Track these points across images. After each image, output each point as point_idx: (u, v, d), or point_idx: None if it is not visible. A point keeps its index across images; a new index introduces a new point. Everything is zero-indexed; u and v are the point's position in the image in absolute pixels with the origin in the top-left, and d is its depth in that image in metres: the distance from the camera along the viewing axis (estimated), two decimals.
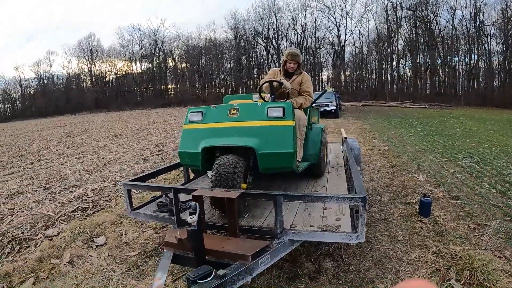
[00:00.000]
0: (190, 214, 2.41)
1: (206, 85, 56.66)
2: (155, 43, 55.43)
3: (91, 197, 6.13)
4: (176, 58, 57.30)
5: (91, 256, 3.86)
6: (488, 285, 3.01)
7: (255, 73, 55.33)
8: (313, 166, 4.34)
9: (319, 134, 4.57)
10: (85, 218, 5.11)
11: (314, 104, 5.25)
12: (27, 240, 4.40)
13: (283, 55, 4.74)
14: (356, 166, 3.84)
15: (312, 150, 4.33)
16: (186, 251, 2.66)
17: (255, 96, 4.86)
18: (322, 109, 20.74)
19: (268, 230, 2.96)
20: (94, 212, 5.42)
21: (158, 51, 55.90)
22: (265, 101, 4.32)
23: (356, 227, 2.71)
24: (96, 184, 6.93)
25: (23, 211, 5.48)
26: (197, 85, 56.94)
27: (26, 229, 4.72)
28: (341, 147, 7.10)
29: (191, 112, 3.86)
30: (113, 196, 6.23)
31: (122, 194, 6.14)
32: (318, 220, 3.08)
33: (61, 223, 4.94)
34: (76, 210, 5.49)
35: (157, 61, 56.43)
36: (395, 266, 3.45)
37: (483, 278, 3.07)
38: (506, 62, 40.10)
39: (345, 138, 6.05)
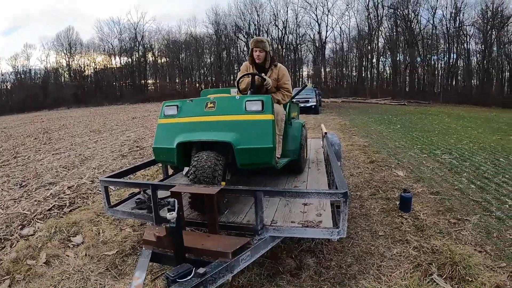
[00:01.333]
0: (169, 210, 2.34)
1: (186, 80, 56.13)
2: (135, 37, 54.37)
3: (68, 194, 5.97)
4: (156, 52, 56.54)
5: (68, 256, 3.73)
6: (470, 279, 3.03)
7: (235, 68, 54.92)
8: (293, 163, 4.29)
9: (299, 130, 4.52)
10: (62, 217, 4.96)
11: (294, 100, 5.19)
12: (3, 240, 4.26)
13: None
14: (336, 161, 3.83)
15: (292, 146, 4.28)
16: (165, 249, 2.60)
17: (233, 91, 4.77)
18: (302, 104, 20.86)
19: (248, 226, 2.92)
20: (71, 210, 5.26)
21: (137, 45, 54.90)
22: (243, 94, 4.21)
23: (338, 223, 2.69)
24: (73, 181, 6.75)
25: None
26: (177, 80, 56.32)
27: (1, 229, 4.56)
28: (321, 142, 7.12)
29: (166, 106, 3.73)
30: (90, 193, 6.08)
31: (100, 191, 6.02)
32: (299, 216, 3.07)
33: (37, 222, 4.78)
34: (53, 208, 5.33)
35: (137, 56, 55.42)
36: (376, 262, 3.45)
37: (465, 272, 3.09)
38: (484, 62, 41.17)
39: (325, 133, 6.05)
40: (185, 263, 2.25)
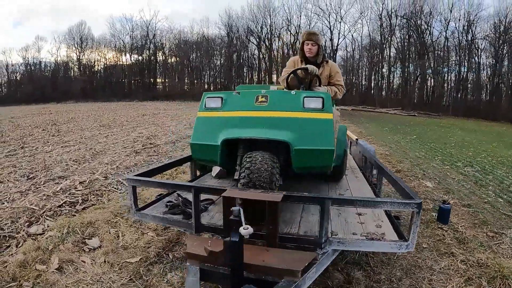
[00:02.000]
0: (235, 222, 1.91)
1: (195, 80, 55.50)
2: (146, 35, 53.60)
3: (80, 190, 5.46)
4: (167, 51, 55.76)
5: (84, 262, 3.24)
6: None
7: (245, 72, 54.70)
8: (335, 168, 3.86)
9: (345, 134, 4.26)
10: (74, 215, 4.44)
11: None
12: (8, 238, 3.76)
13: (298, 41, 4.12)
14: (389, 169, 3.47)
15: (338, 151, 3.83)
16: (218, 265, 2.18)
17: (273, 87, 4.39)
18: None
19: (309, 239, 2.53)
20: (84, 208, 4.75)
21: (149, 43, 54.12)
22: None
23: (404, 235, 2.50)
24: (85, 176, 6.25)
25: (3, 203, 4.82)
26: (186, 80, 55.78)
27: (6, 224, 4.07)
28: (348, 149, 6.79)
29: (208, 98, 3.30)
30: (104, 190, 5.55)
31: (115, 188, 5.59)
32: (358, 227, 2.78)
33: (47, 219, 4.28)
34: (64, 205, 4.81)
35: (147, 54, 54.67)
36: (426, 275, 3.24)
37: None
38: (495, 76, 40.74)
39: (357, 139, 5.81)
40: (248, 285, 1.84)
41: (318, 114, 2.96)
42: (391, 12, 45.86)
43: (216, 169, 4.26)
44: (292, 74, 3.80)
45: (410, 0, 44.29)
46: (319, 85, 3.82)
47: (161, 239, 3.72)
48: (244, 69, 54.50)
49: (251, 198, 2.40)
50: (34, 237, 3.77)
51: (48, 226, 4.04)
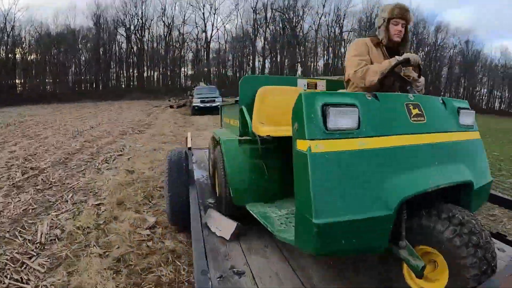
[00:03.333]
0: None
1: (58, 79, 48.02)
2: (3, 28, 44.13)
3: None
4: (27, 46, 47.54)
5: None
6: None
7: (112, 67, 50.82)
8: None
9: None
10: None
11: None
12: None
13: (381, 15, 2.55)
14: None
15: None
16: None
17: (302, 82, 3.13)
18: (208, 104, 19.66)
19: None
20: None
21: (6, 38, 44.75)
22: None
23: None
24: None
25: None
26: (49, 79, 48.38)
27: None
28: None
29: (332, 107, 1.61)
30: None
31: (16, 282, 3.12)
32: None
33: None
34: None
35: (4, 50, 45.37)
36: None
37: None
38: None
39: None
40: None
41: (473, 134, 2.20)
42: (267, 5, 47.73)
43: (229, 226, 2.67)
44: (389, 74, 2.31)
45: None
46: (419, 77, 2.47)
47: None
48: (112, 63, 50.53)
49: None
50: None
51: None
